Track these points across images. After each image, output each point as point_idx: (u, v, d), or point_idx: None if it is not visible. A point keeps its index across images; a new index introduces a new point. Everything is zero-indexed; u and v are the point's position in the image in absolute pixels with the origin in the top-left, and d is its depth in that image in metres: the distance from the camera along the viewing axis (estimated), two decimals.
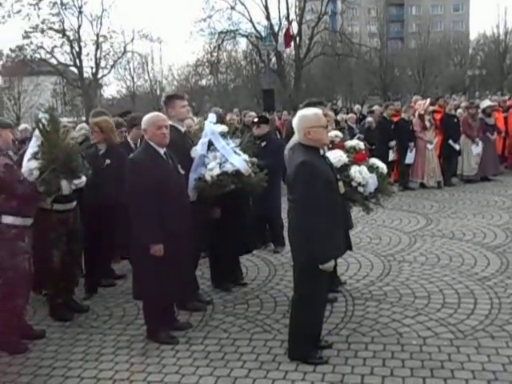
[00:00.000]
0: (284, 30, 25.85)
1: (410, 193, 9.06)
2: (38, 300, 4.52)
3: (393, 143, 9.27)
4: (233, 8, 30.32)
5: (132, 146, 5.12)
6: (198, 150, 4.20)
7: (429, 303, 4.16)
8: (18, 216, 3.62)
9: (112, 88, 65.11)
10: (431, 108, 9.83)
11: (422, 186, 9.39)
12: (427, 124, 9.24)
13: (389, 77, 34.00)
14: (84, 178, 3.99)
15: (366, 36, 38.67)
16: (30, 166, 3.70)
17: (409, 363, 3.24)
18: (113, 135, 4.81)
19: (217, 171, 4.06)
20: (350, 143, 4.14)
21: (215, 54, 31.58)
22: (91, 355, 3.59)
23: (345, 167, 3.84)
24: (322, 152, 3.33)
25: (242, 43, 34.64)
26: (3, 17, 27.60)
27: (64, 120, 5.05)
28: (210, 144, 4.24)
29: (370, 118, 10.56)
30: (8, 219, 3.59)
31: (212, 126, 4.36)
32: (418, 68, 35.26)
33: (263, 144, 5.62)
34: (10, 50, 29.12)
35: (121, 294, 4.76)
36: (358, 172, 3.83)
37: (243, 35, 31.86)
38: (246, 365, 3.34)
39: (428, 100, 10.04)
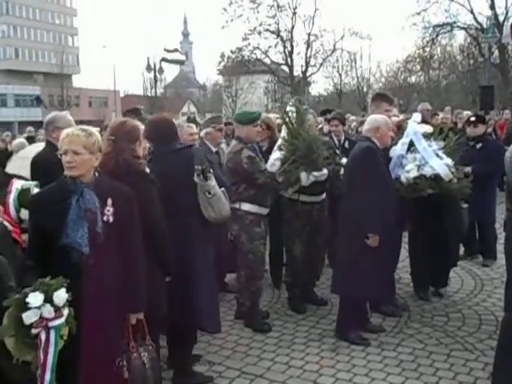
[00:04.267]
0: (511, 20, 22.74)
1: None
2: None
3: None
4: None
5: None
6: (397, 149, 4.03)
7: None
8: (255, 204, 3.85)
9: (319, 85, 67.29)
10: None
11: None
12: None
13: None
14: (325, 171, 3.89)
15: None
16: (273, 156, 3.92)
17: None
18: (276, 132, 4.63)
19: (414, 173, 3.86)
20: None
21: (428, 49, 29.73)
22: (284, 342, 3.76)
23: None
24: None
25: (459, 36, 31.84)
26: (227, 21, 30.66)
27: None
28: (411, 144, 4.02)
29: None
30: (246, 206, 3.85)
31: (415, 126, 4.11)
32: None
33: (478, 146, 5.13)
34: (231, 51, 32.15)
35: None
36: None
37: (461, 28, 29.19)
38: (442, 382, 3.12)
39: None
